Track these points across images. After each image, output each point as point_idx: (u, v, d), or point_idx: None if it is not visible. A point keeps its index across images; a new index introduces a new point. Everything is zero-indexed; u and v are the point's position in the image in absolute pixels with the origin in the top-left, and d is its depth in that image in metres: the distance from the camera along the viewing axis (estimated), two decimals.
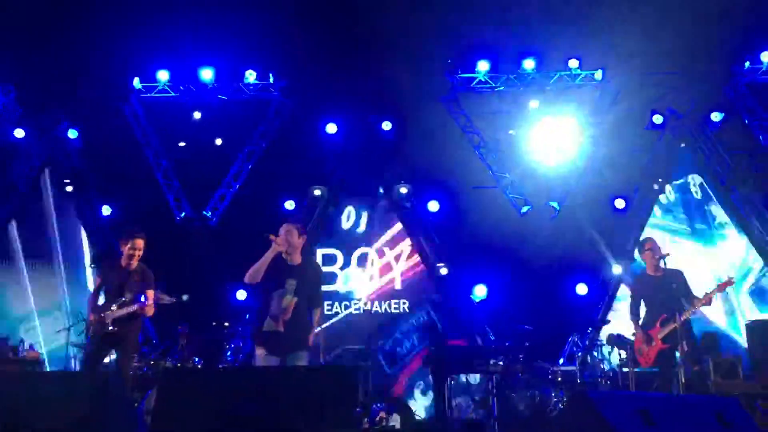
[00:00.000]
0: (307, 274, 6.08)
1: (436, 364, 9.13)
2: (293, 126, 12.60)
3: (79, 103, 12.19)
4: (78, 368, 9.62)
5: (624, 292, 11.24)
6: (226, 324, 10.80)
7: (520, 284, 11.40)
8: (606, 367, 9.29)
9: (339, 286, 12.15)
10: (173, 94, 12.58)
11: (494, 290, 11.65)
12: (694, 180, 12.11)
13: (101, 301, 7.18)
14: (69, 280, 12.10)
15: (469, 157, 12.28)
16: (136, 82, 12.49)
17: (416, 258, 12.20)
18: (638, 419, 4.12)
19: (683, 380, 7.09)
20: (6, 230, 12.20)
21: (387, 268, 12.22)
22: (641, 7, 11.09)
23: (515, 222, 11.93)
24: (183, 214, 12.24)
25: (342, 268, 12.24)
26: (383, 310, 11.89)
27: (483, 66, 12.29)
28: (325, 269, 11.95)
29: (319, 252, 12.18)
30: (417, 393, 11.36)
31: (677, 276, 7.53)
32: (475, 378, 9.93)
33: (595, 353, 9.54)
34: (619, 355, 8.87)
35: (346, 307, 12.01)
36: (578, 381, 9.05)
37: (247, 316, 11.19)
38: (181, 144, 12.48)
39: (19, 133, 12.23)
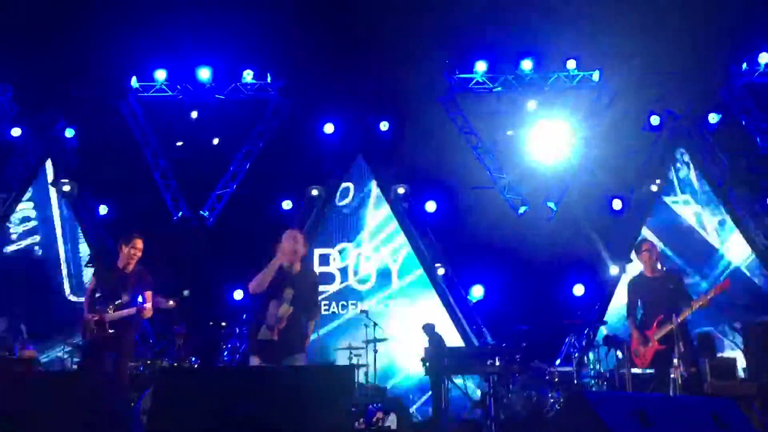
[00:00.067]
0: (305, 283, 6.04)
1: (433, 364, 9.14)
2: (291, 126, 12.60)
3: (77, 102, 12.18)
4: (74, 368, 9.60)
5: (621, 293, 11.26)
6: (223, 324, 10.78)
7: (517, 285, 11.41)
8: (602, 368, 9.30)
9: (336, 287, 12.15)
10: (171, 93, 12.57)
11: (491, 291, 11.66)
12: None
13: (97, 301, 7.16)
14: (66, 280, 12.08)
15: (466, 158, 12.30)
16: (134, 82, 12.49)
17: (414, 258, 12.20)
18: (635, 420, 4.12)
19: (680, 381, 7.09)
20: (3, 228, 12.19)
21: (384, 268, 12.22)
22: (639, 9, 11.11)
23: (512, 222, 11.94)
24: (180, 214, 12.22)
25: (339, 269, 12.24)
26: (380, 310, 11.89)
27: (481, 66, 12.31)
28: (322, 269, 11.98)
29: (317, 252, 12.17)
30: (414, 393, 11.36)
31: (674, 277, 7.54)
32: (472, 379, 9.93)
33: (591, 354, 9.55)
34: (616, 355, 8.87)
35: (343, 308, 12.01)
36: (575, 382, 9.04)
37: (244, 316, 11.18)
38: (179, 143, 12.46)
39: (16, 131, 12.21)
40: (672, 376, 7.23)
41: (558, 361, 10.95)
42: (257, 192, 12.29)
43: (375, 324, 9.92)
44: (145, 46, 12.05)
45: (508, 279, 11.48)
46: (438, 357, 9.10)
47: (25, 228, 12.32)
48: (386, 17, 11.54)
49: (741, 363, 9.91)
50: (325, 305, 11.78)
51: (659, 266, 7.51)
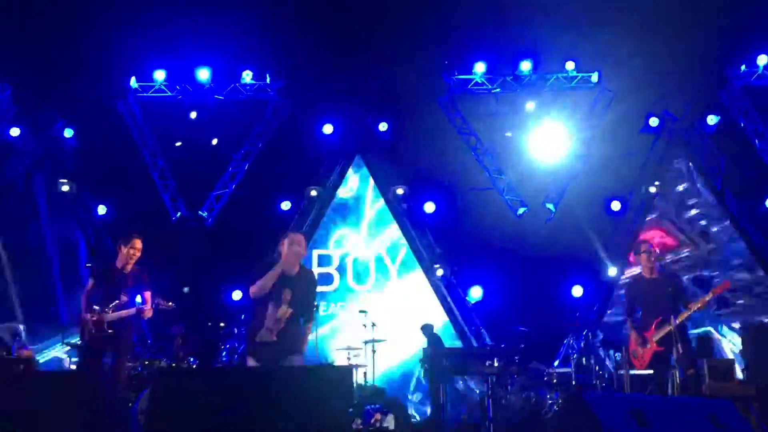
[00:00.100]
0: (303, 284, 6.04)
1: (431, 365, 9.14)
2: (290, 126, 12.59)
3: (75, 102, 12.16)
4: (72, 368, 9.59)
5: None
6: (222, 324, 10.77)
7: (515, 286, 11.41)
8: (601, 369, 9.30)
9: (334, 287, 12.15)
10: (170, 93, 12.56)
11: (490, 292, 11.66)
12: None
13: (95, 301, 7.16)
14: (65, 280, 12.06)
15: (465, 159, 12.30)
16: (133, 82, 12.48)
17: (413, 259, 12.21)
18: (633, 421, 4.12)
19: (678, 382, 7.11)
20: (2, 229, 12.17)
21: (383, 269, 12.22)
22: (638, 11, 11.13)
23: (511, 224, 11.95)
24: (179, 214, 12.21)
25: (338, 269, 12.24)
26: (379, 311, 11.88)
27: (480, 67, 12.31)
28: (320, 270, 11.97)
29: (315, 253, 12.16)
30: (412, 394, 11.36)
31: (673, 279, 7.56)
32: (470, 380, 9.93)
33: (590, 355, 9.55)
34: (614, 357, 8.88)
35: (342, 308, 12.01)
36: (573, 383, 9.05)
37: (243, 316, 11.17)
38: (178, 144, 12.45)
39: (14, 131, 12.19)
40: (670, 377, 7.25)
41: (556, 363, 10.95)
42: (256, 192, 12.28)
43: (373, 324, 9.92)
44: (144, 47, 12.04)
45: (507, 280, 11.49)
46: (436, 358, 9.10)
47: None
48: (385, 18, 11.55)
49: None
50: (323, 305, 11.77)
51: (658, 268, 7.53)
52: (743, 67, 12.03)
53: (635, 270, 8.28)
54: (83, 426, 4.69)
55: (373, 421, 8.26)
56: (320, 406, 4.28)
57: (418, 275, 12.14)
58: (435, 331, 9.83)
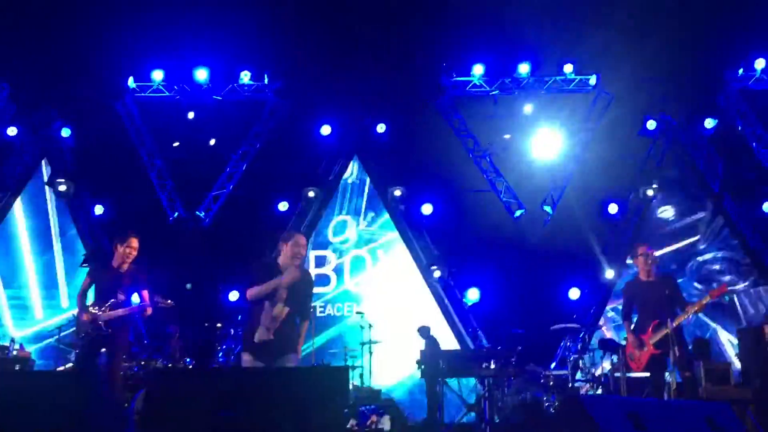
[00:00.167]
0: (300, 284, 6.02)
1: (428, 367, 9.13)
2: (288, 127, 12.59)
3: (73, 101, 12.15)
4: (68, 367, 9.57)
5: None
6: (219, 325, 10.76)
7: (513, 288, 11.41)
8: (598, 371, 9.30)
9: (331, 288, 12.14)
10: (168, 94, 12.56)
11: (487, 293, 11.66)
12: None
13: (90, 301, 7.14)
14: (61, 280, 12.05)
15: (463, 161, 12.30)
16: (131, 82, 12.47)
17: (410, 260, 12.20)
18: (629, 423, 4.12)
19: (674, 385, 7.10)
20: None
21: (380, 270, 12.22)
22: (636, 14, 11.15)
23: (509, 226, 11.95)
24: (176, 215, 12.19)
25: (334, 270, 12.23)
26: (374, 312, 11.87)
27: (478, 70, 12.32)
28: (317, 271, 11.95)
29: (312, 254, 12.15)
30: (409, 396, 11.35)
31: (670, 281, 7.54)
32: (467, 381, 9.92)
33: (587, 357, 9.55)
34: (611, 359, 8.87)
35: (339, 309, 12.00)
36: (570, 385, 9.05)
37: (240, 317, 11.16)
38: (176, 144, 12.44)
39: (12, 131, 12.17)
40: (667, 380, 7.24)
41: (553, 365, 10.94)
42: (254, 193, 12.28)
43: (370, 326, 9.91)
44: (142, 47, 12.04)
45: (504, 282, 11.49)
46: (433, 359, 9.10)
47: None
48: (383, 20, 11.57)
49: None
50: (320, 307, 11.77)
51: (655, 270, 7.53)
52: (741, 71, 12.06)
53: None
54: (79, 426, 4.68)
55: (369, 423, 8.25)
56: (316, 406, 4.28)
57: (416, 277, 12.13)
58: (432, 332, 9.82)
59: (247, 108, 12.66)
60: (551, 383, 8.91)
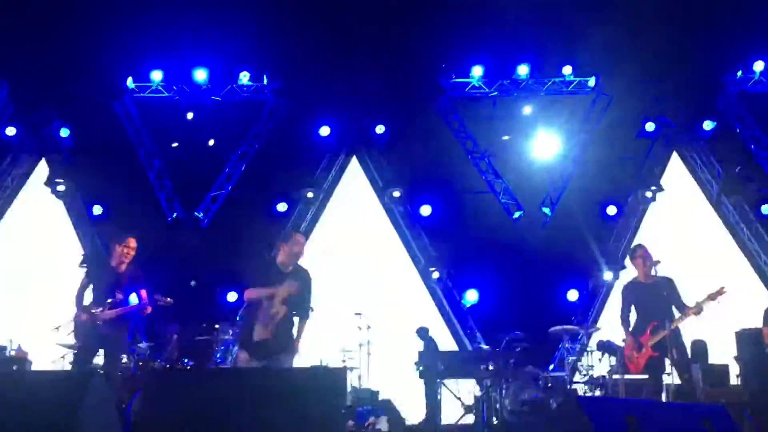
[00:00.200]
0: (298, 282, 6.02)
1: (426, 368, 9.13)
2: (287, 128, 12.59)
3: (72, 101, 12.13)
4: (67, 368, 9.55)
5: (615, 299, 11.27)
6: (217, 326, 10.73)
7: (511, 289, 11.41)
8: (596, 373, 9.30)
9: (329, 289, 12.12)
10: (167, 94, 12.55)
11: (485, 295, 11.66)
12: None
13: (88, 301, 7.14)
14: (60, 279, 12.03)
15: (461, 162, 12.31)
16: (130, 82, 12.47)
17: (408, 261, 12.20)
18: (626, 425, 4.12)
19: (672, 388, 7.10)
20: None
21: (378, 271, 12.21)
22: (635, 16, 11.15)
23: (507, 227, 11.95)
24: (175, 215, 12.18)
25: (332, 271, 12.20)
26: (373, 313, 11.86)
27: (477, 71, 12.32)
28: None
29: (309, 255, 12.12)
30: (407, 397, 11.34)
31: (668, 283, 7.53)
32: (465, 383, 9.91)
33: (585, 359, 9.55)
34: (609, 361, 8.87)
35: (336, 310, 11.97)
36: (568, 387, 9.04)
37: (238, 318, 11.15)
38: (174, 144, 12.43)
39: (11, 130, 12.16)
40: (665, 382, 7.24)
41: (551, 366, 10.94)
42: (252, 193, 12.26)
43: (368, 327, 9.90)
44: (141, 47, 12.04)
45: (503, 283, 11.49)
46: (431, 361, 9.10)
47: None
48: (382, 21, 11.57)
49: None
50: (318, 308, 11.72)
51: (653, 272, 7.52)
52: (739, 73, 12.08)
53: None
54: (77, 426, 4.67)
55: (367, 424, 8.24)
56: (314, 407, 4.28)
57: (414, 278, 12.12)
58: (430, 334, 9.82)
59: (246, 108, 12.66)
60: (549, 385, 8.91)
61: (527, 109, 12.34)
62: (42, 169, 12.45)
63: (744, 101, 12.17)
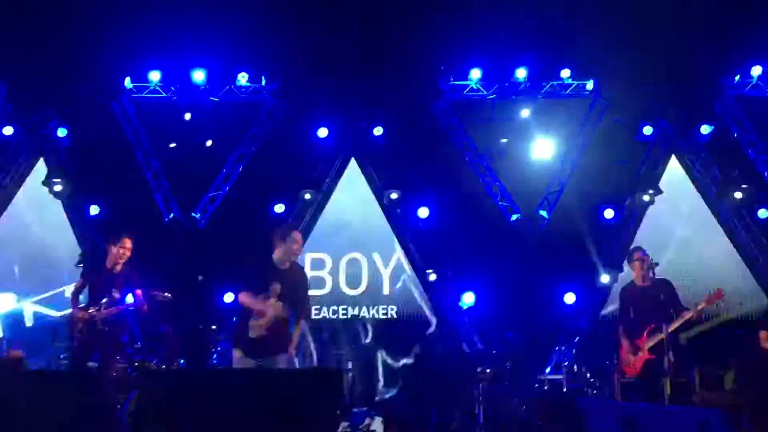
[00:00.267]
0: (293, 279, 6.01)
1: (422, 370, 9.13)
2: (285, 129, 12.56)
3: (70, 101, 12.11)
4: (63, 367, 9.53)
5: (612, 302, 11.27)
6: (213, 327, 10.73)
7: (508, 292, 11.40)
8: (592, 376, 9.30)
9: (327, 291, 12.12)
10: (165, 94, 12.53)
11: (482, 298, 11.65)
12: None
13: (83, 301, 7.13)
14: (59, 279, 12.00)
15: (459, 165, 12.31)
16: (128, 82, 12.44)
17: (405, 264, 12.20)
18: (622, 428, 4.11)
19: (669, 391, 7.10)
20: None
21: (376, 273, 12.20)
22: (633, 20, 11.17)
23: (505, 230, 11.95)
24: (172, 216, 12.14)
25: (331, 273, 12.20)
26: (371, 315, 11.86)
27: (475, 74, 12.32)
28: (313, 273, 11.92)
29: (308, 256, 12.12)
30: (402, 398, 11.33)
31: (666, 286, 7.55)
32: (461, 385, 9.91)
33: (581, 362, 9.56)
34: (606, 364, 8.88)
35: (334, 312, 11.97)
36: (564, 389, 9.05)
37: (234, 318, 11.12)
38: (172, 145, 12.41)
39: (8, 130, 12.13)
40: (661, 385, 7.24)
41: (548, 369, 10.94)
42: (250, 195, 12.24)
43: (365, 328, 9.90)
44: (139, 47, 12.02)
45: (500, 286, 11.47)
46: (428, 363, 9.09)
47: None
48: (381, 22, 11.57)
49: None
50: (315, 309, 11.73)
51: (651, 275, 7.53)
52: (737, 77, 12.08)
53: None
54: (72, 426, 4.66)
55: (362, 425, 8.23)
56: (309, 408, 4.27)
57: (411, 280, 12.11)
58: (427, 335, 9.82)
59: (244, 109, 12.64)
60: (546, 387, 8.93)
61: (525, 112, 12.34)
62: (40, 168, 12.42)
63: (742, 105, 12.18)
